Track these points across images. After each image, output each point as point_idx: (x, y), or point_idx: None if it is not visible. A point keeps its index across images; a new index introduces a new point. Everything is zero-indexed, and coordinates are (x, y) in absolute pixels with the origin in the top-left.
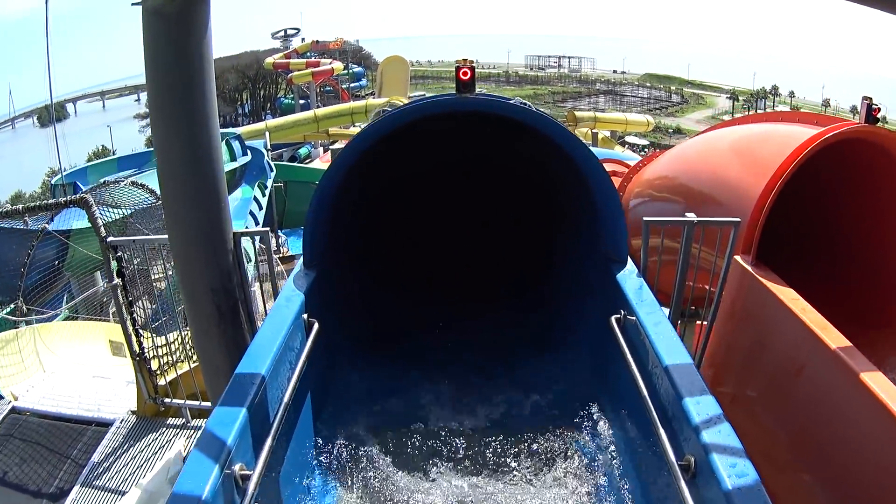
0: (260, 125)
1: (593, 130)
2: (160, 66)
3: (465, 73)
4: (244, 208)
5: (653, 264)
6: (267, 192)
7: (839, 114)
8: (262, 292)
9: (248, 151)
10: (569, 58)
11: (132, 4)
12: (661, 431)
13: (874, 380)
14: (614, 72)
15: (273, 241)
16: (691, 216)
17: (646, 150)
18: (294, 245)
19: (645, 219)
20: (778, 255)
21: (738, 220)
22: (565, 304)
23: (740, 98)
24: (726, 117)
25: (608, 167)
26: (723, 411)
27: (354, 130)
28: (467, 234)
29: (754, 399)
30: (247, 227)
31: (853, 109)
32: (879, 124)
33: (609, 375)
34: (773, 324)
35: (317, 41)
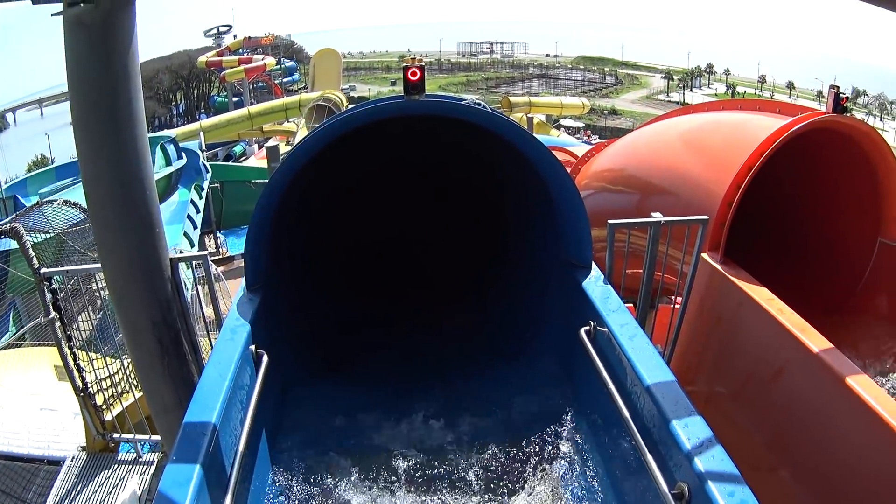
0: (194, 125)
1: (528, 115)
2: (84, 81)
3: (413, 74)
4: (181, 212)
5: (619, 266)
6: (204, 193)
7: (775, 90)
8: (205, 322)
9: (183, 154)
10: (501, 43)
11: (52, 15)
12: (649, 457)
13: (861, 384)
14: (547, 55)
15: (212, 244)
16: (657, 216)
17: (581, 132)
18: (233, 245)
19: (610, 221)
20: (738, 242)
21: (706, 217)
22: (529, 313)
23: (675, 77)
24: (661, 97)
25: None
26: (714, 433)
27: (289, 126)
28: (424, 240)
29: (730, 401)
30: (185, 233)
31: (789, 85)
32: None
33: (581, 391)
34: (748, 325)
35: (249, 37)
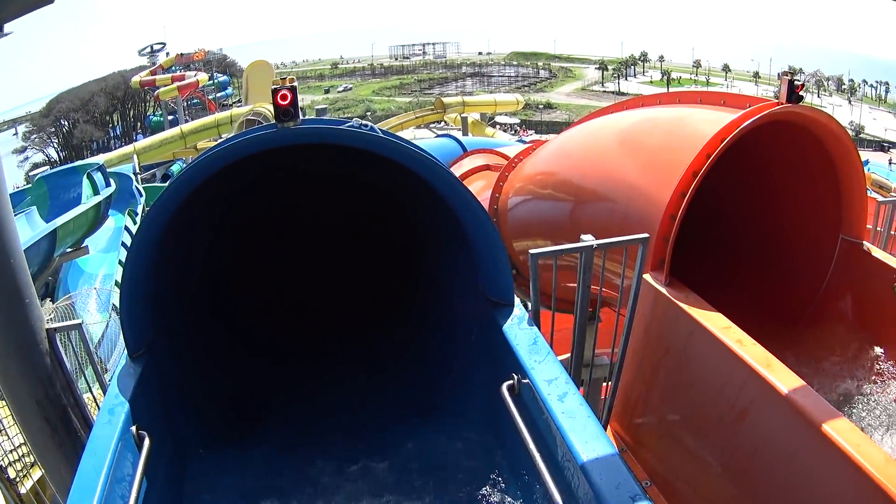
0: (128, 148)
1: (462, 115)
2: None
3: (283, 98)
4: (116, 239)
5: (546, 278)
6: (138, 218)
7: (711, 73)
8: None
9: (112, 181)
10: (433, 44)
11: None
12: None
13: (838, 429)
14: (480, 53)
15: None
16: (588, 239)
17: (517, 128)
18: None
19: (532, 251)
20: (680, 249)
21: (646, 236)
22: (447, 360)
23: (609, 67)
24: (596, 87)
25: (483, 159)
26: None
27: None
28: (330, 279)
29: (686, 444)
30: (120, 260)
31: (725, 68)
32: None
33: (512, 455)
34: (703, 358)
35: (181, 54)
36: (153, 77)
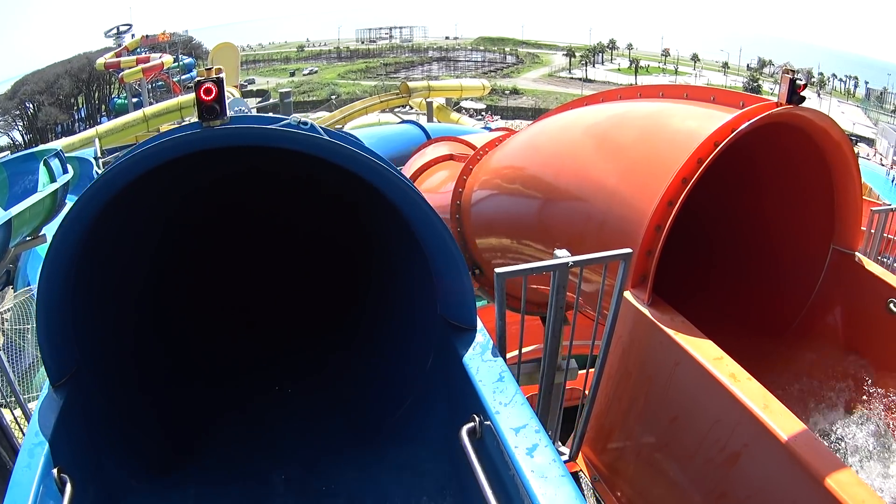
0: (91, 132)
1: (428, 100)
2: None
3: (207, 92)
4: None
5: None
6: None
7: (680, 62)
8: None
9: (70, 167)
10: (400, 28)
11: None
12: None
13: (843, 484)
14: (447, 38)
15: None
16: (563, 254)
17: (483, 114)
18: None
19: (497, 271)
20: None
21: (629, 251)
22: (400, 389)
23: (577, 54)
24: (563, 74)
25: (447, 148)
26: None
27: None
28: (279, 290)
29: (667, 481)
30: None
31: (694, 57)
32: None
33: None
34: (691, 392)
35: (146, 36)
36: (118, 59)
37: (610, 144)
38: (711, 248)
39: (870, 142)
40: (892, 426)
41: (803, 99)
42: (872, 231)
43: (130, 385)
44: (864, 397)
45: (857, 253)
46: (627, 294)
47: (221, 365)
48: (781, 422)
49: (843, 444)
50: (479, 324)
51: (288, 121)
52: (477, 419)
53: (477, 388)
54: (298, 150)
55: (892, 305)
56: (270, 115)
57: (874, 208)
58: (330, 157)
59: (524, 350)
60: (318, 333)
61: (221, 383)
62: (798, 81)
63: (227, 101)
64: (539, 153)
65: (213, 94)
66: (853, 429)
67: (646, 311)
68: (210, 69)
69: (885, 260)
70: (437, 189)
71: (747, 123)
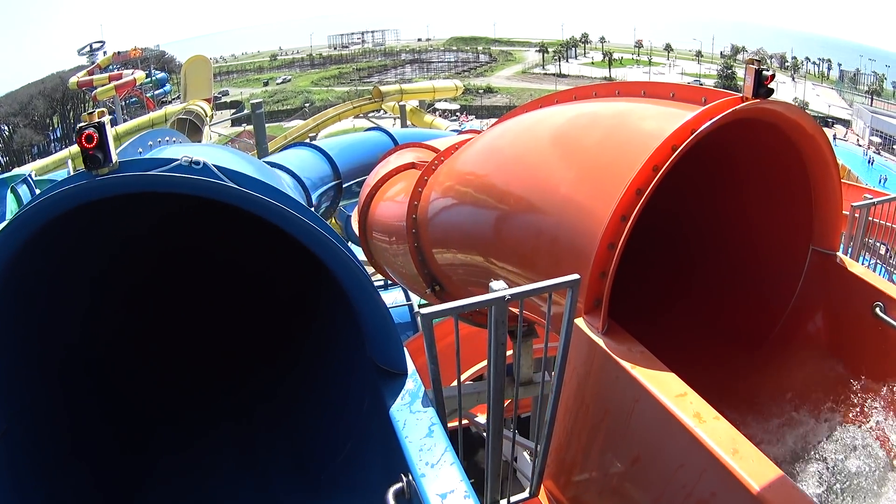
0: (63, 153)
1: (401, 103)
2: None
3: (88, 140)
4: None
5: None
6: None
7: (653, 53)
8: None
9: (39, 192)
10: (372, 32)
11: None
12: None
13: None
14: (419, 40)
15: None
16: (499, 287)
17: (457, 114)
18: None
19: (422, 312)
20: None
21: (577, 278)
22: (336, 436)
23: (550, 50)
24: (537, 70)
25: (410, 156)
26: None
27: None
28: (214, 325)
29: None
30: None
31: (667, 47)
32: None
33: None
34: (652, 433)
35: (118, 52)
36: (90, 77)
37: (561, 149)
38: (679, 251)
39: (846, 123)
40: (883, 442)
41: (771, 91)
42: (853, 233)
43: (60, 442)
44: (851, 410)
45: (838, 253)
46: (580, 321)
47: (160, 408)
48: (753, 468)
49: (828, 467)
50: (411, 367)
51: (178, 162)
52: (405, 479)
53: (403, 445)
54: (185, 194)
55: (877, 310)
56: (165, 155)
57: (854, 203)
58: (221, 198)
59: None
60: (254, 372)
61: (159, 429)
62: (765, 72)
63: (110, 146)
64: (492, 159)
65: (95, 142)
66: (839, 448)
67: (599, 342)
68: (92, 112)
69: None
70: (395, 201)
71: (708, 123)
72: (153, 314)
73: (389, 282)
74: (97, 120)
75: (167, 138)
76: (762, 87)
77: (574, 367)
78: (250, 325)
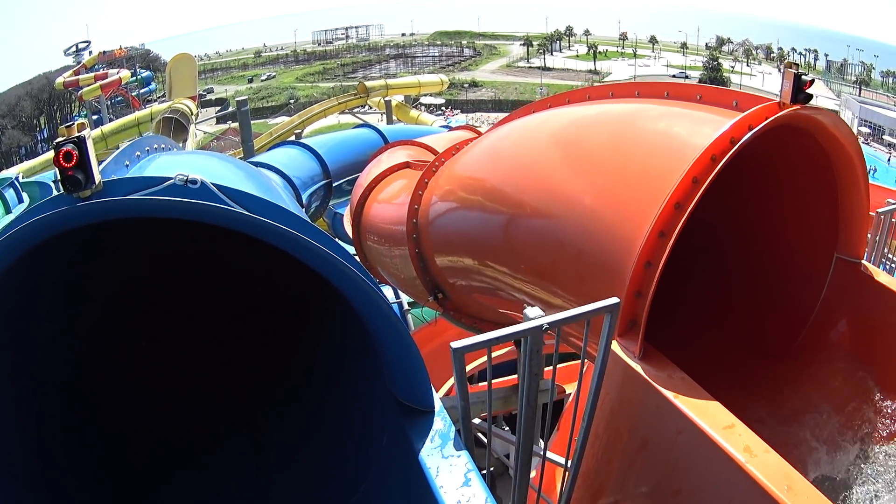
0: (50, 154)
1: (386, 98)
2: None
3: (67, 158)
4: None
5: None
6: None
7: (638, 45)
8: None
9: (26, 195)
10: (356, 27)
11: None
12: None
13: None
14: (403, 34)
15: None
16: (535, 315)
17: (443, 109)
18: None
19: (454, 346)
20: None
21: (616, 301)
22: (360, 469)
23: (534, 43)
24: (521, 63)
25: (403, 154)
26: None
27: None
28: (223, 356)
29: None
30: None
31: (652, 39)
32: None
33: None
34: (698, 466)
35: (103, 52)
36: (76, 77)
37: (582, 154)
38: (701, 259)
39: None
40: None
41: (810, 97)
42: (878, 237)
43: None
44: (881, 426)
45: (863, 261)
46: (614, 345)
47: (163, 445)
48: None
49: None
50: (438, 404)
51: (172, 181)
52: None
53: (436, 495)
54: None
55: None
56: (159, 174)
57: (879, 210)
58: (224, 224)
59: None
60: (259, 398)
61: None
62: (804, 77)
63: (92, 164)
64: (501, 163)
65: (74, 160)
66: (873, 469)
67: (637, 367)
68: (71, 125)
69: None
70: (393, 203)
71: (750, 134)
72: (152, 331)
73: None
74: (76, 135)
75: (156, 145)
76: (801, 92)
77: (606, 393)
78: (255, 337)
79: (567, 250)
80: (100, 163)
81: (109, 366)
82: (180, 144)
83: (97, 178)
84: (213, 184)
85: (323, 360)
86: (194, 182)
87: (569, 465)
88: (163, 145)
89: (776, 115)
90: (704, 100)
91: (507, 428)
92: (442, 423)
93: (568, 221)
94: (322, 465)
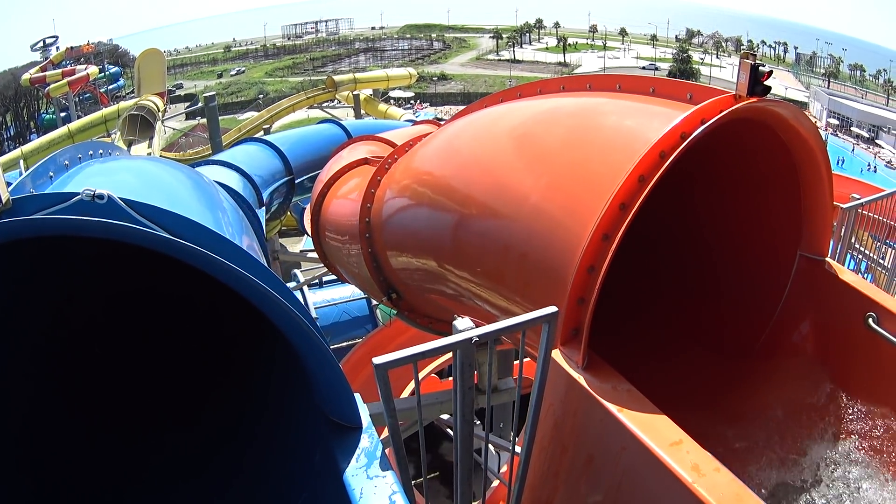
0: (15, 153)
1: (355, 92)
2: None
3: None
4: None
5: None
6: None
7: (608, 38)
8: None
9: None
10: (326, 21)
11: None
12: None
13: None
14: (373, 28)
15: None
16: (463, 326)
17: (411, 102)
18: None
19: (376, 362)
20: None
21: (555, 311)
22: (294, 488)
23: (504, 36)
24: (491, 56)
25: (364, 150)
26: None
27: (114, 138)
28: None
29: None
30: None
31: (622, 32)
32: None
33: None
34: (644, 485)
35: (71, 47)
36: (43, 73)
37: (529, 150)
38: (659, 256)
39: (803, 105)
40: (878, 465)
41: (768, 89)
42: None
43: None
44: (842, 431)
45: (827, 259)
46: (556, 354)
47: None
48: None
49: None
50: (366, 420)
51: (80, 197)
52: None
53: None
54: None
55: (870, 321)
56: (79, 187)
57: (844, 206)
58: (125, 239)
59: None
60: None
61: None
62: (761, 69)
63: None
64: (451, 159)
65: None
66: (827, 464)
67: (580, 378)
68: None
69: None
70: (348, 200)
71: (702, 128)
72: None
73: None
74: None
75: (90, 152)
76: (758, 84)
77: (550, 404)
78: (187, 364)
79: (513, 252)
80: (28, 170)
81: (41, 394)
82: (138, 147)
83: (4, 196)
84: (122, 199)
85: (258, 380)
86: (101, 197)
87: (513, 481)
88: (100, 151)
89: (730, 109)
90: (658, 92)
91: (478, 422)
92: (369, 440)
93: (513, 221)
94: (258, 489)
